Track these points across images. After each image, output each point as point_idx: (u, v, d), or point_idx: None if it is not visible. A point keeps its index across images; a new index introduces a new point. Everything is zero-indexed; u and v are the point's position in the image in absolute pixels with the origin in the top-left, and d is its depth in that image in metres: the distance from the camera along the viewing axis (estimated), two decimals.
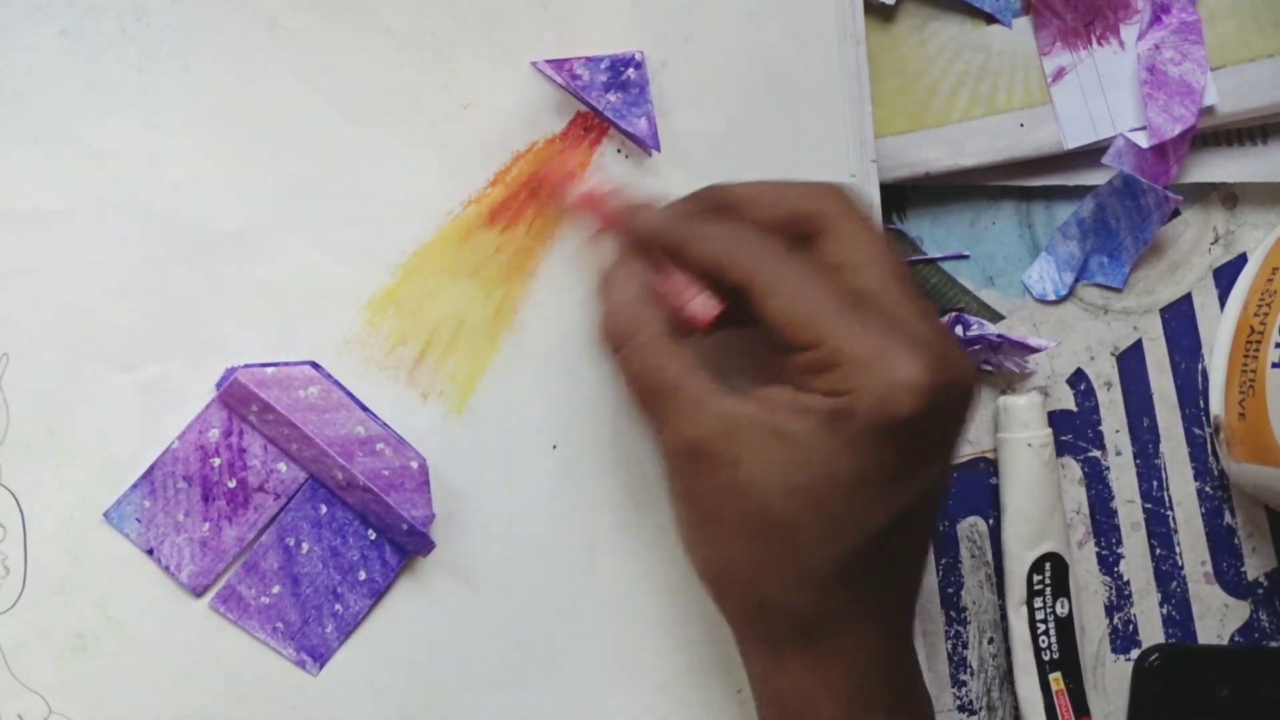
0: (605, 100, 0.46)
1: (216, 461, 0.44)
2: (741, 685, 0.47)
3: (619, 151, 0.47)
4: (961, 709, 0.52)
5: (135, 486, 0.43)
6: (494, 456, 0.46)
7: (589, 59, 0.46)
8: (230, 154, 0.45)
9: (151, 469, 0.44)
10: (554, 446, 0.46)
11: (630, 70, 0.46)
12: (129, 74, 0.44)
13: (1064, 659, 0.52)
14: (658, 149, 0.47)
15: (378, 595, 0.45)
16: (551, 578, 0.46)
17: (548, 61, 0.46)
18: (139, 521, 0.43)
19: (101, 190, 0.44)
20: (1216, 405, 0.54)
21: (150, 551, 0.43)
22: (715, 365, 0.39)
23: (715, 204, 0.41)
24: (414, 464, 0.45)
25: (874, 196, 0.49)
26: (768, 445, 0.36)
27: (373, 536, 0.45)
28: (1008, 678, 0.53)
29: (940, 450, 0.38)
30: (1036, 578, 0.52)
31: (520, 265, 0.46)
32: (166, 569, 0.43)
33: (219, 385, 0.44)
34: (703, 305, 0.40)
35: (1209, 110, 0.53)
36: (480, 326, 0.46)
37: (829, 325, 0.36)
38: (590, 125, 0.47)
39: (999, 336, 0.52)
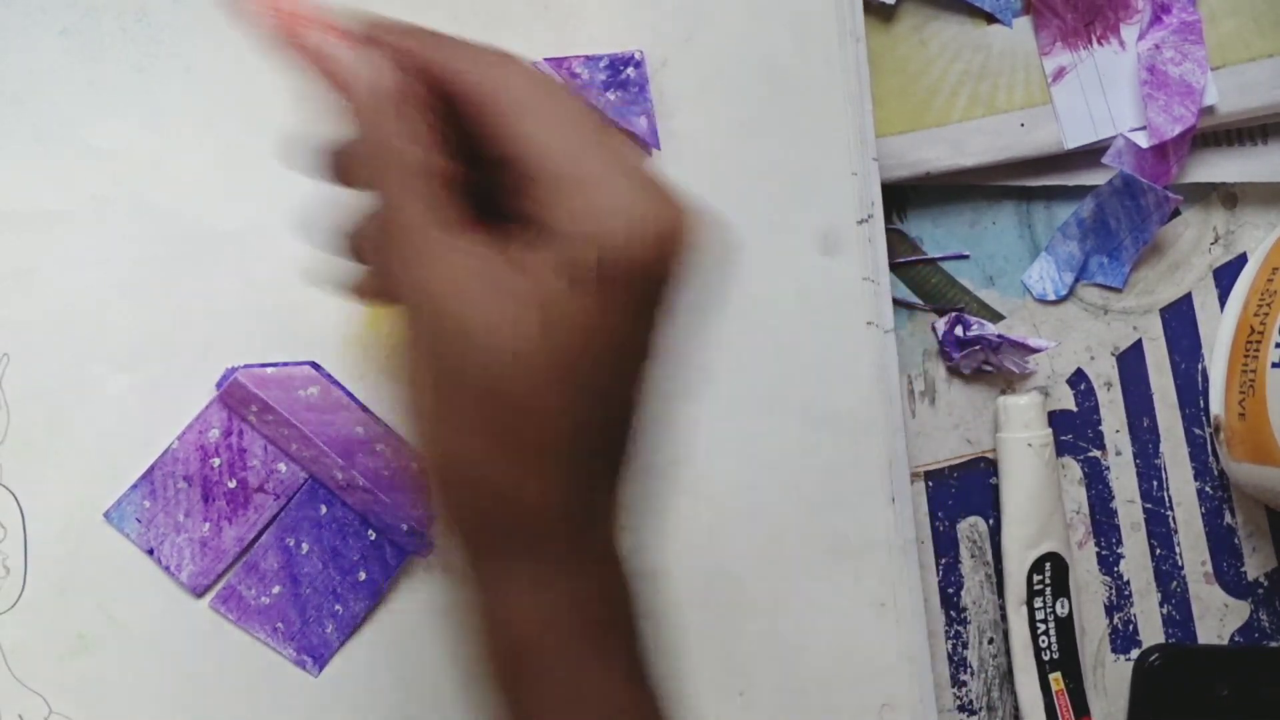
0: (604, 99, 0.46)
1: (216, 462, 0.44)
2: (743, 687, 0.47)
3: None
4: (961, 709, 0.52)
5: (135, 486, 0.43)
6: None
7: (588, 58, 0.46)
8: (230, 154, 0.45)
9: (151, 469, 0.44)
10: None
11: (629, 69, 0.46)
12: (129, 74, 0.44)
13: (1064, 659, 0.52)
14: (657, 147, 0.47)
15: (378, 596, 0.45)
16: None
17: (547, 60, 0.46)
18: (139, 522, 0.43)
19: (101, 190, 0.44)
20: (1216, 405, 0.54)
21: (150, 551, 0.43)
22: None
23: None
24: (414, 464, 0.44)
25: (875, 195, 0.49)
26: (507, 306, 0.32)
27: (372, 537, 0.45)
28: (1008, 678, 0.53)
29: (668, 303, 0.34)
30: (1036, 578, 0.52)
31: None
32: (167, 569, 0.43)
33: (219, 385, 0.44)
34: None
35: (1209, 110, 0.53)
36: None
37: (557, 142, 0.33)
38: None
39: (999, 336, 0.52)
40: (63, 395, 0.43)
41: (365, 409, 0.45)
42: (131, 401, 0.44)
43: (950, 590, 0.53)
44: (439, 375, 0.34)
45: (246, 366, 0.44)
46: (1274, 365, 0.51)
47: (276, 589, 0.44)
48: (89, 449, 0.44)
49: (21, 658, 0.43)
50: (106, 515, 0.43)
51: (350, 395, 0.45)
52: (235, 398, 0.44)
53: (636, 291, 0.33)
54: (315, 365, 0.44)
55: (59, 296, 0.44)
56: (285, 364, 0.44)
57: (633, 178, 0.33)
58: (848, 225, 0.49)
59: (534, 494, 0.34)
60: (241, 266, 0.45)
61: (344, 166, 0.36)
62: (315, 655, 0.45)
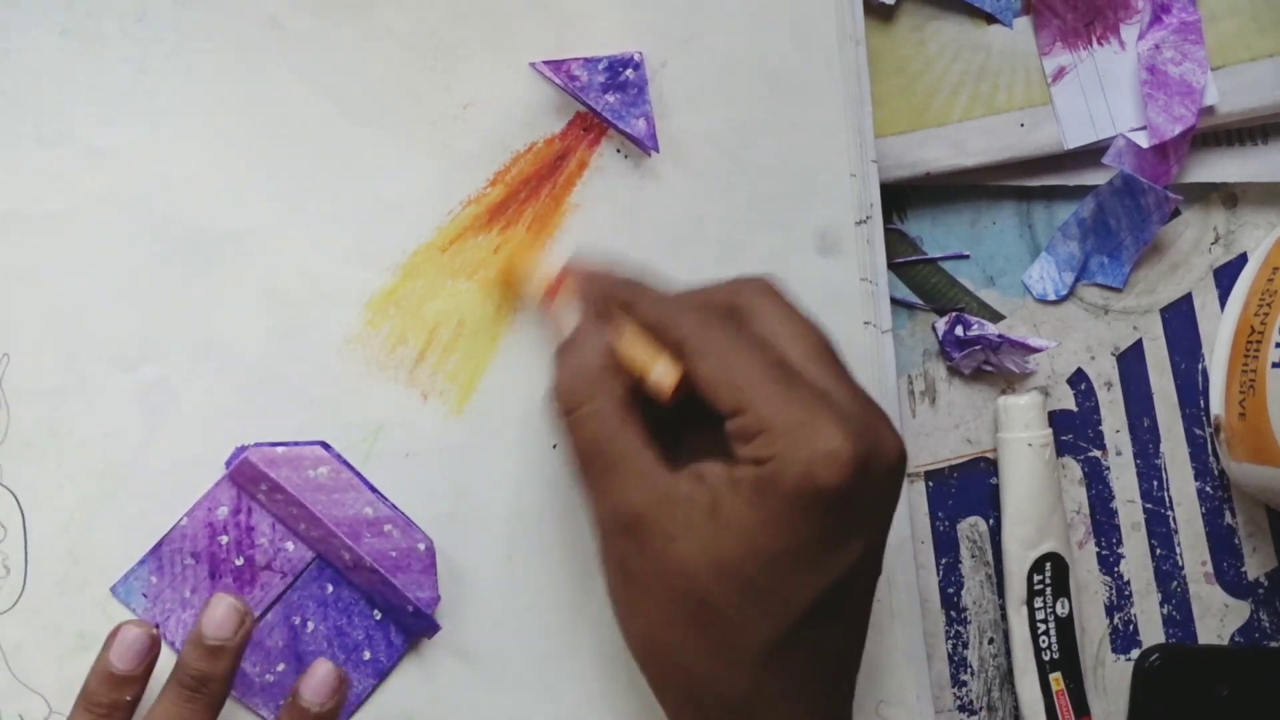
0: (604, 101, 0.46)
1: (224, 539, 0.44)
2: None
3: (618, 152, 0.47)
4: (961, 709, 0.52)
5: (143, 562, 0.43)
6: (494, 456, 0.46)
7: (587, 60, 0.46)
8: (230, 154, 0.45)
9: (160, 545, 0.44)
10: (554, 446, 0.46)
11: (629, 71, 0.46)
12: (129, 74, 0.44)
13: (1064, 659, 0.52)
14: (656, 149, 0.47)
15: (381, 676, 0.45)
16: (552, 579, 0.46)
17: (545, 62, 0.46)
18: (145, 597, 0.43)
19: (101, 190, 0.44)
20: (1216, 405, 0.54)
21: (157, 627, 0.43)
22: (671, 439, 0.39)
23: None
24: (421, 546, 0.45)
25: (874, 196, 0.49)
26: (698, 521, 0.36)
27: (378, 617, 0.45)
28: (1008, 678, 0.53)
29: (868, 524, 0.37)
30: (1036, 578, 0.52)
31: (520, 265, 0.46)
32: (172, 644, 0.43)
33: (229, 463, 0.44)
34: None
35: (1209, 110, 0.53)
36: (480, 326, 0.46)
37: (755, 390, 0.36)
38: (589, 125, 0.47)
39: (999, 336, 0.52)
40: (63, 395, 0.43)
41: (374, 490, 0.45)
42: (131, 401, 0.44)
43: (950, 590, 0.53)
44: (630, 574, 0.38)
45: (257, 445, 0.44)
46: (1274, 365, 0.51)
47: (281, 666, 0.44)
48: (89, 449, 0.44)
49: (21, 658, 0.43)
50: (113, 590, 0.43)
51: (360, 476, 0.45)
52: (245, 476, 0.44)
53: (830, 520, 0.35)
54: (325, 445, 0.45)
55: (59, 296, 0.44)
56: (295, 444, 0.44)
57: (840, 417, 0.35)
58: (846, 226, 0.49)
59: (730, 689, 0.37)
60: (241, 266, 0.45)
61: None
62: None
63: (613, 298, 0.41)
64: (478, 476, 0.46)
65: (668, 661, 0.38)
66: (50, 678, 0.43)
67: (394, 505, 0.45)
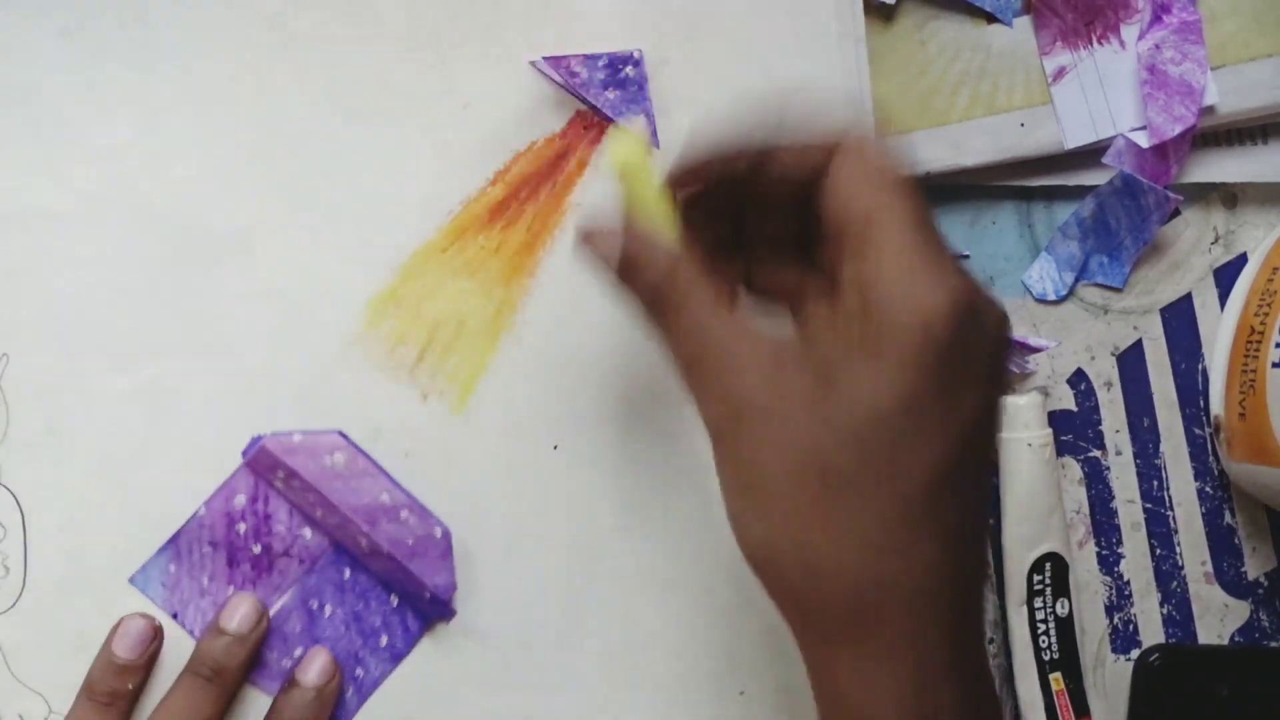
0: (604, 98, 0.46)
1: (242, 527, 0.44)
2: (744, 687, 0.47)
3: None
4: None
5: (161, 551, 0.44)
6: (494, 456, 0.46)
7: (587, 57, 0.46)
8: (230, 154, 0.45)
9: (178, 534, 0.44)
10: (555, 447, 0.46)
11: (629, 68, 0.47)
12: (129, 74, 0.44)
13: (1064, 659, 0.52)
14: (657, 147, 0.47)
15: (398, 660, 0.45)
16: (553, 580, 0.46)
17: (545, 59, 0.46)
18: (164, 586, 0.44)
19: (101, 190, 0.44)
20: (1216, 405, 0.54)
21: (175, 615, 0.44)
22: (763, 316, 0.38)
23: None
24: (438, 532, 0.45)
25: None
26: (809, 390, 0.34)
27: (395, 603, 0.45)
28: (1008, 678, 0.53)
29: (981, 376, 0.35)
30: (1036, 578, 0.52)
31: (520, 264, 0.46)
32: (190, 632, 0.44)
33: (245, 453, 0.44)
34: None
35: (1209, 110, 0.53)
36: (480, 326, 0.46)
37: (883, 230, 0.34)
38: (590, 123, 0.47)
39: None
40: (63, 395, 0.44)
41: (390, 477, 0.45)
42: (131, 401, 0.44)
43: None
44: (747, 469, 0.36)
45: (274, 434, 0.44)
46: (1274, 365, 0.51)
47: (298, 651, 0.44)
48: (89, 449, 0.44)
49: (21, 658, 0.43)
50: (132, 580, 0.44)
51: (375, 464, 0.45)
52: (262, 464, 0.44)
53: (944, 372, 0.34)
54: (342, 434, 0.45)
55: (59, 296, 0.44)
56: (312, 432, 0.44)
57: (943, 271, 0.34)
58: None
59: (860, 573, 0.35)
60: (241, 266, 0.45)
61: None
62: (334, 718, 0.45)
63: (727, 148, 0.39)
64: (478, 476, 0.46)
65: (786, 556, 0.35)
66: (50, 678, 0.43)
67: (410, 493, 0.45)
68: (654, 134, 0.47)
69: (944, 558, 0.35)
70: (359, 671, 0.45)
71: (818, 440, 0.34)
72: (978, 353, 0.35)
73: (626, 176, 0.39)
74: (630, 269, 0.38)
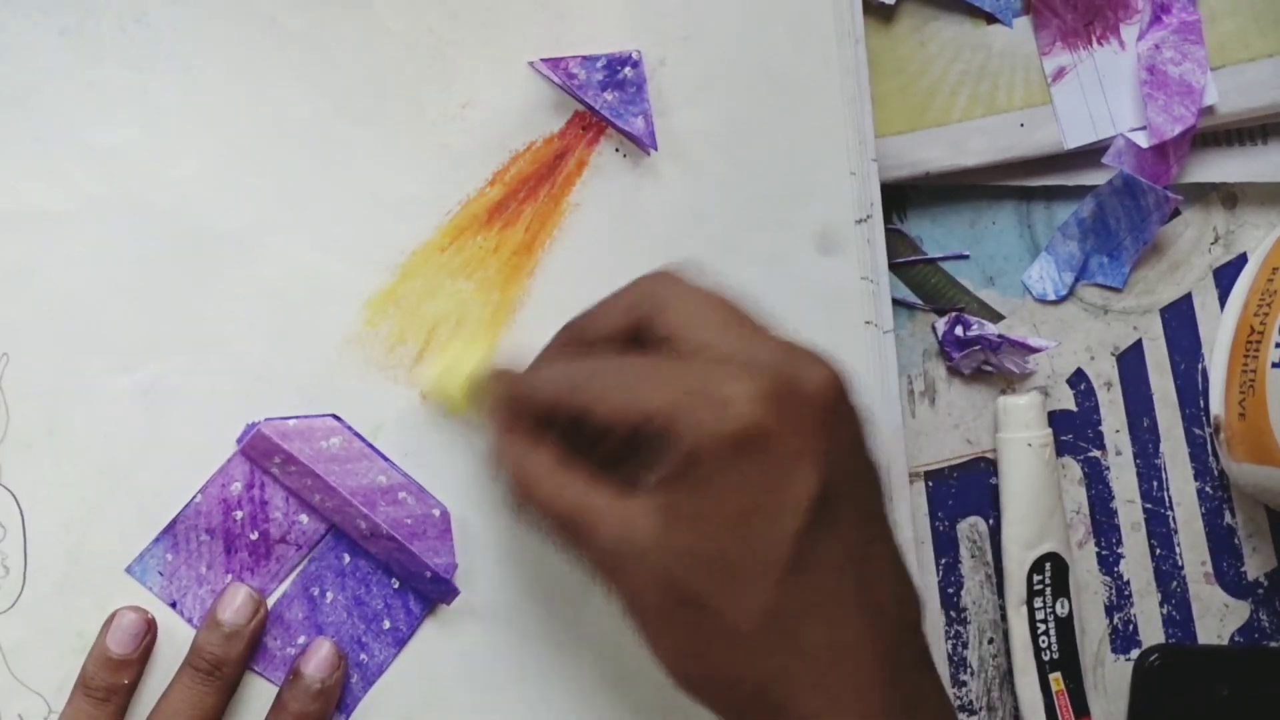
0: (602, 99, 0.46)
1: (239, 514, 0.44)
2: None
3: (617, 150, 0.47)
4: (961, 709, 0.52)
5: (158, 540, 0.44)
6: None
7: (585, 58, 0.46)
8: (230, 154, 0.45)
9: (174, 522, 0.44)
10: None
11: (627, 69, 0.47)
12: (129, 74, 0.44)
13: (1064, 659, 0.52)
14: (655, 148, 0.47)
15: (402, 644, 0.45)
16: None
17: (544, 60, 0.46)
18: (162, 575, 0.44)
19: (101, 190, 0.44)
20: (1216, 405, 0.54)
21: (173, 605, 0.43)
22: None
23: (568, 339, 0.42)
24: (436, 512, 0.45)
25: (874, 195, 0.49)
26: (655, 529, 0.36)
27: (396, 585, 0.45)
28: (1008, 678, 0.53)
29: (813, 453, 0.36)
30: (1036, 578, 0.52)
31: (518, 264, 0.46)
32: (189, 621, 0.44)
33: (240, 439, 0.44)
34: None
35: (1209, 110, 0.53)
36: (479, 326, 0.46)
37: (653, 395, 0.36)
38: (588, 124, 0.47)
39: (999, 336, 0.52)
40: (63, 395, 0.44)
41: (386, 459, 0.45)
42: (131, 401, 0.44)
43: (950, 590, 0.53)
44: (644, 609, 0.37)
45: (269, 419, 0.44)
46: (1274, 365, 0.51)
47: (301, 639, 0.44)
48: (89, 449, 0.44)
49: (21, 658, 0.43)
50: (129, 569, 0.43)
51: (371, 446, 0.45)
52: (258, 450, 0.44)
53: (763, 456, 0.35)
54: (337, 417, 0.45)
55: (59, 296, 0.44)
56: (307, 416, 0.44)
57: (741, 368, 0.35)
58: (846, 225, 0.49)
59: (755, 670, 0.36)
60: (241, 266, 0.45)
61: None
62: (340, 705, 0.45)
63: (512, 408, 0.41)
64: (478, 476, 0.46)
65: (705, 683, 0.37)
66: (50, 677, 0.43)
67: (407, 473, 0.45)
68: (652, 135, 0.47)
69: (832, 633, 0.36)
70: (363, 656, 0.45)
71: (672, 574, 0.36)
72: (797, 427, 0.35)
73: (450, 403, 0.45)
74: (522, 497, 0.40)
